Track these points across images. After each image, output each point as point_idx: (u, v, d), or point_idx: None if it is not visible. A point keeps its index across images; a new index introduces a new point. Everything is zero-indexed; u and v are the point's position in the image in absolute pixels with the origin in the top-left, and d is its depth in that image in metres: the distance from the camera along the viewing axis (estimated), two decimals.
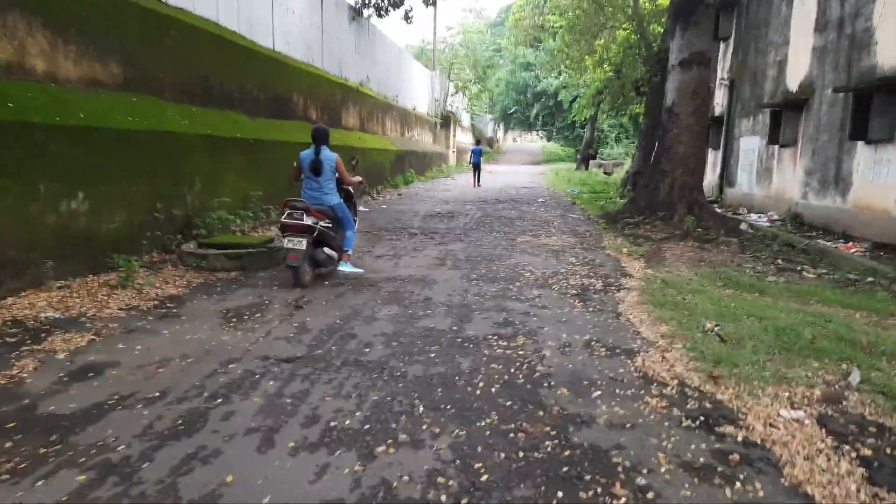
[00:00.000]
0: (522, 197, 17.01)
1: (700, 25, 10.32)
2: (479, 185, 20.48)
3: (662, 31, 17.53)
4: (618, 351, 4.30)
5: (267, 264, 6.93)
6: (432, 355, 4.17)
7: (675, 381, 3.72)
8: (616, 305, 5.50)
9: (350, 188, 7.00)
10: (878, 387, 3.65)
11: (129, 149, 6.50)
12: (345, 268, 6.54)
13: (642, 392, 3.58)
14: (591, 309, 5.39)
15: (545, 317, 5.13)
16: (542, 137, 62.66)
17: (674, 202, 10.47)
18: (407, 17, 16.39)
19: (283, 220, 6.03)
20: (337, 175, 6.39)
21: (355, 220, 7.04)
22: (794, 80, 13.15)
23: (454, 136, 33.80)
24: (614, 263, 7.51)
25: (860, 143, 10.31)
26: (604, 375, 3.83)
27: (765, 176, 14.73)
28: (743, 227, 10.30)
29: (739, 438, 3.01)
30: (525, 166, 42.65)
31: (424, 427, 3.11)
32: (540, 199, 16.06)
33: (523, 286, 6.26)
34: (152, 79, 7.36)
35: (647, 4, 19.23)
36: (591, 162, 33.65)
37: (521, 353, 4.24)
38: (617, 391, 3.59)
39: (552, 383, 3.70)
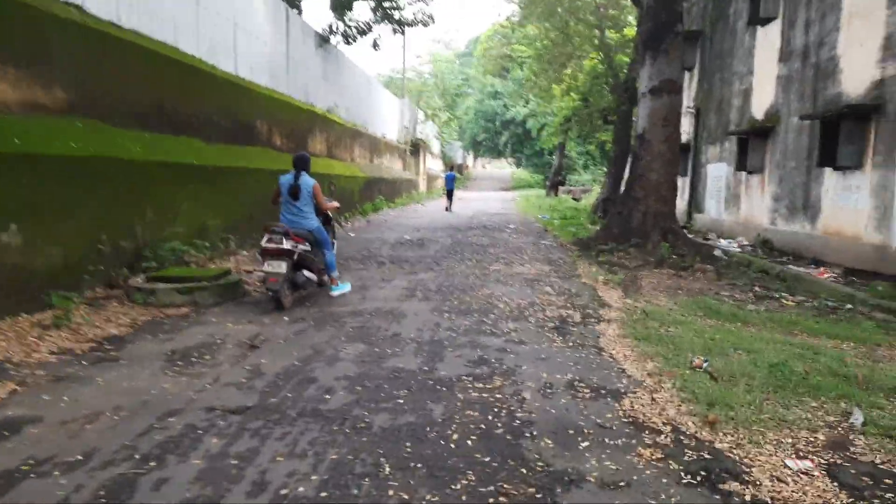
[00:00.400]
0: (494, 223, 16.79)
1: (670, 54, 10.33)
2: (450, 211, 21.29)
3: (630, 60, 17.76)
4: (603, 392, 3.95)
5: (221, 299, 6.43)
6: (401, 401, 3.76)
7: (669, 428, 3.38)
8: (597, 339, 5.17)
9: (328, 213, 7.21)
10: (884, 429, 3.37)
11: (71, 177, 5.99)
12: (335, 291, 6.92)
13: (634, 441, 3.22)
14: (570, 344, 5.05)
15: (523, 353, 4.77)
16: (511, 164, 63.21)
17: (647, 230, 10.32)
18: (375, 45, 16.24)
19: (263, 244, 6.08)
20: (314, 201, 6.60)
21: (333, 244, 7.26)
22: (759, 109, 13.32)
23: (424, 162, 33.69)
24: (591, 293, 7.23)
25: (828, 170, 10.36)
26: (590, 422, 3.47)
27: (733, 202, 14.81)
28: (717, 253, 10.20)
29: (748, 497, 2.67)
30: (495, 192, 42.74)
31: (391, 493, 2.68)
32: (511, 226, 15.84)
33: (498, 319, 5.90)
34: (101, 103, 6.90)
35: (613, 35, 19.52)
36: (560, 188, 33.84)
37: (498, 396, 3.86)
38: (606, 440, 3.23)
39: (534, 433, 3.32)
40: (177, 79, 8.58)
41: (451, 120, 36.43)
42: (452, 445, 3.16)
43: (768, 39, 12.85)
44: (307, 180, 6.52)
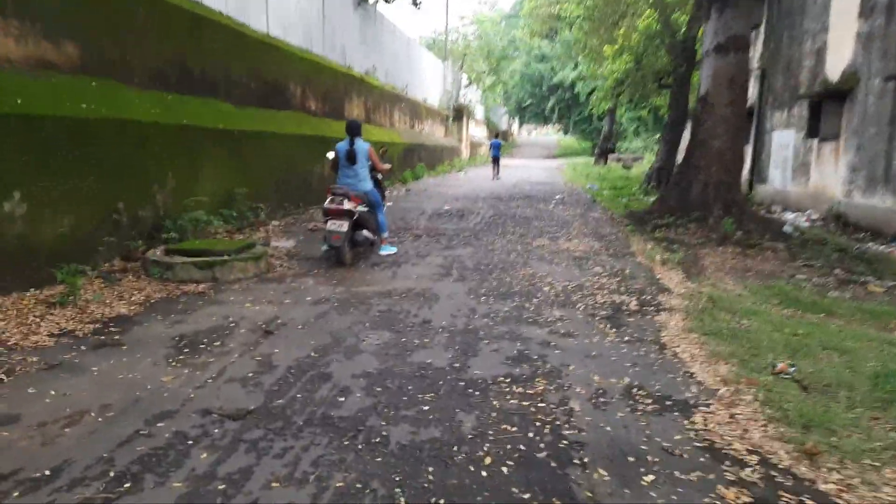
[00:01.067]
0: (538, 193, 15.96)
1: (738, 6, 9.19)
2: (498, 178, 21.34)
3: (688, 18, 16.33)
4: (668, 403, 3.29)
5: (243, 274, 5.99)
6: (426, 408, 3.20)
7: (756, 459, 2.71)
8: (657, 333, 4.48)
9: (379, 175, 7.60)
10: None
11: (82, 141, 5.57)
12: (383, 251, 7.42)
13: (712, 476, 2.57)
14: (626, 338, 4.37)
15: (570, 349, 4.13)
16: (558, 131, 61.33)
17: (709, 202, 9.38)
18: (415, 3, 15.36)
19: (325, 205, 6.57)
20: (370, 163, 7.08)
21: (384, 206, 7.72)
22: (835, 69, 12.00)
23: (467, 129, 32.72)
24: (648, 274, 6.47)
25: None
26: (655, 446, 2.83)
27: (801, 172, 13.57)
28: (787, 229, 9.20)
29: None
30: (540, 160, 41.47)
31: None
32: (557, 196, 14.99)
33: (541, 304, 5.26)
34: (117, 62, 6.44)
35: None
36: (610, 156, 32.40)
37: (541, 405, 3.26)
38: (676, 474, 2.59)
39: (585, 459, 2.70)
40: (202, 37, 8.06)
41: (495, 84, 35.10)
42: (484, 473, 2.58)
43: None
44: (362, 144, 6.97)
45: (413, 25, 61.57)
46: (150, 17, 6.96)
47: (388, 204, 10.55)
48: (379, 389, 3.42)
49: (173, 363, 3.79)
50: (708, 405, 3.25)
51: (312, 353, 3.97)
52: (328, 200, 6.61)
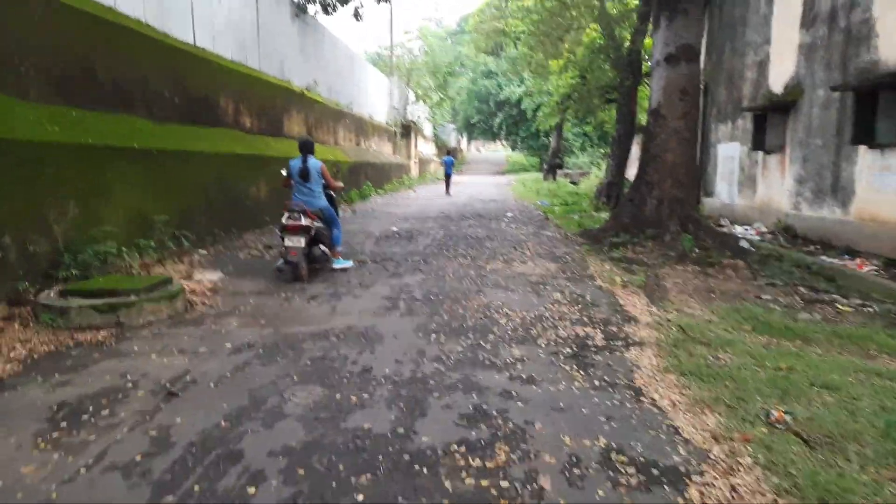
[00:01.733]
0: (490, 211, 15.52)
1: (689, 14, 9.02)
2: (448, 194, 22.09)
3: (633, 31, 16.38)
4: (655, 473, 2.73)
5: (154, 317, 5.17)
6: (360, 497, 2.53)
7: None
8: (630, 374, 3.94)
9: (332, 192, 7.67)
10: None
11: None
12: (338, 264, 7.54)
13: None
14: (596, 382, 3.82)
15: (534, 401, 3.54)
16: (506, 147, 61.78)
17: (663, 218, 9.09)
18: (357, 15, 14.80)
19: (283, 221, 6.69)
20: (323, 181, 7.25)
21: (338, 219, 7.76)
22: (778, 81, 12.07)
23: (416, 146, 32.26)
24: (610, 299, 6.00)
25: (863, 148, 9.16)
26: None
27: (748, 185, 13.61)
28: (743, 244, 8.99)
29: None
30: (490, 176, 41.42)
31: None
32: (509, 214, 14.58)
33: (499, 342, 4.67)
34: (6, 72, 5.57)
35: (614, 5, 18.11)
36: (558, 172, 32.52)
37: (503, 484, 2.64)
38: None
39: None
40: (115, 45, 7.22)
41: (443, 101, 34.89)
42: None
43: (788, 4, 11.57)
44: (314, 162, 7.11)
45: (357, 40, 61.20)
46: (49, 21, 6.11)
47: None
48: (302, 472, 2.72)
49: (42, 444, 2.99)
50: (701, 473, 2.71)
51: (223, 422, 3.23)
52: (285, 217, 6.70)
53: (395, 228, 11.74)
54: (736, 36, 14.18)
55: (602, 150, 44.79)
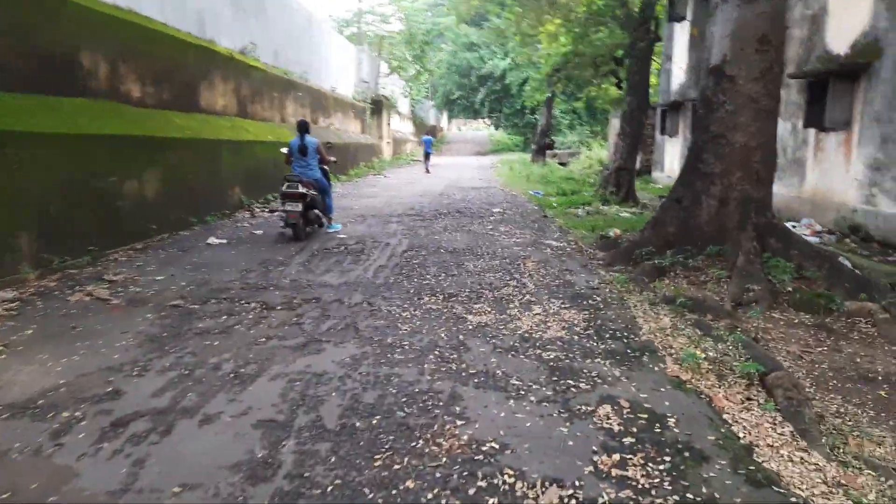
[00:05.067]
0: (472, 205, 12.45)
1: None
2: (428, 172, 22.78)
3: None
4: None
5: None
6: None
7: None
8: None
9: (325, 166, 8.80)
10: None
11: None
12: (331, 229, 8.89)
13: None
14: None
15: None
16: (488, 125, 58.49)
17: (730, 228, 6.15)
18: None
19: (283, 189, 7.81)
20: (318, 156, 8.44)
21: (331, 190, 9.06)
22: (841, 39, 9.16)
23: (388, 124, 28.90)
24: (714, 426, 2.99)
25: None
26: None
27: (791, 170, 10.75)
28: (844, 261, 6.08)
29: None
30: (471, 157, 38.23)
31: None
32: (496, 209, 11.52)
33: None
34: None
35: None
36: (548, 152, 29.48)
37: None
38: None
39: None
40: None
41: (420, 73, 31.45)
42: None
43: None
44: (311, 140, 8.34)
45: (318, 4, 55.17)
46: None
47: (212, 262, 6.75)
48: None
49: None
50: None
51: None
52: (285, 186, 7.79)
53: (342, 235, 8.64)
54: None
55: (591, 129, 41.83)
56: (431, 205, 12.37)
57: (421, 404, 3.23)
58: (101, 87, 7.47)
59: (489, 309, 5.03)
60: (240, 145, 10.84)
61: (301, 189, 7.79)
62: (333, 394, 3.38)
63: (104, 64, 7.51)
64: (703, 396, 3.32)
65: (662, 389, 3.39)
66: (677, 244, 6.45)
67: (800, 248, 5.90)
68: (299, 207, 7.77)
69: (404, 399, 3.30)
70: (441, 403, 3.23)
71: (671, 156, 18.21)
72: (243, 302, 5.28)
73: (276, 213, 9.16)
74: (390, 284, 5.91)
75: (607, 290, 5.57)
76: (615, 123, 27.78)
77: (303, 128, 8.33)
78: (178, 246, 7.63)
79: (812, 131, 10.10)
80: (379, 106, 26.59)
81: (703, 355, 3.82)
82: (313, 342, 4.27)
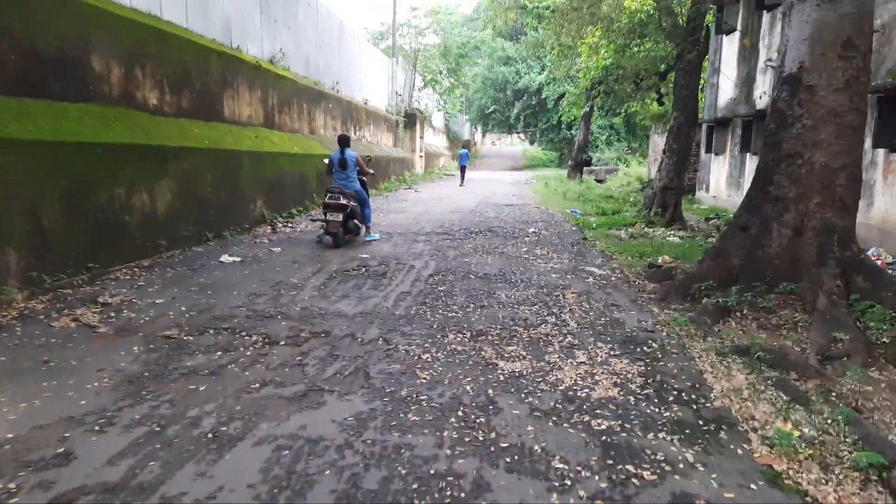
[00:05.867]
0: (506, 223, 11.72)
1: None
2: (462, 185, 23.46)
3: None
4: None
5: None
6: None
7: None
8: None
9: (364, 178, 9.15)
10: None
11: None
12: (368, 237, 9.16)
13: None
14: None
15: None
16: (523, 140, 57.75)
17: (805, 261, 5.28)
18: None
19: (325, 200, 8.36)
20: (357, 168, 8.78)
21: (369, 201, 9.30)
22: None
23: (422, 138, 28.41)
24: None
25: None
26: None
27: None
28: None
29: None
30: (505, 172, 37.52)
31: None
32: (531, 230, 10.76)
33: None
34: None
35: None
36: (585, 169, 28.57)
37: None
38: None
39: None
40: None
41: (454, 87, 30.94)
42: None
43: None
44: (350, 153, 8.67)
45: (356, 17, 54.93)
46: None
47: (221, 283, 6.17)
48: None
49: None
50: None
51: None
52: (327, 197, 8.35)
53: (364, 255, 8.01)
54: None
55: (629, 145, 40.66)
56: (462, 222, 11.69)
57: (437, 495, 2.51)
58: (113, 93, 7.03)
59: (524, 353, 4.29)
60: (263, 157, 10.35)
61: (342, 200, 8.27)
62: (327, 472, 2.68)
63: (117, 68, 7.07)
64: (808, 499, 2.51)
65: (753, 486, 2.58)
66: (742, 279, 5.59)
67: (886, 283, 4.99)
68: (339, 217, 8.23)
69: (415, 485, 2.57)
70: (462, 496, 2.49)
71: (717, 175, 17.20)
72: (244, 334, 4.65)
73: (316, 222, 9.83)
74: (411, 316, 5.22)
75: (664, 333, 4.75)
76: (656, 140, 26.79)
77: (343, 142, 8.72)
78: (187, 264, 7.10)
79: (881, 151, 9.13)
80: (412, 119, 26.13)
81: (798, 433, 3.00)
82: (314, 391, 3.59)
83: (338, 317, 5.17)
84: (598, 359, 4.16)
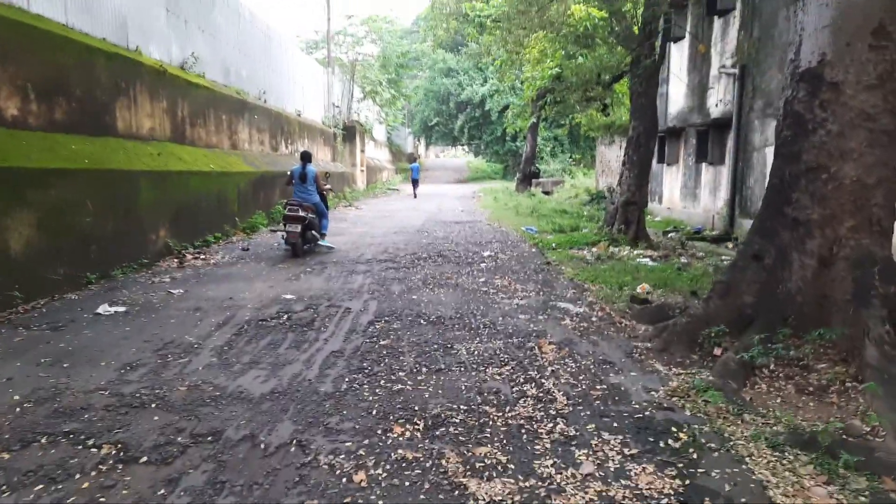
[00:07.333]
0: (458, 245, 10.43)
1: None
2: (415, 196, 24.21)
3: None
4: None
5: None
6: None
7: None
8: None
9: (323, 192, 9.76)
10: None
11: None
12: (324, 243, 9.68)
13: None
14: None
15: None
16: (467, 152, 57.01)
17: (836, 298, 4.22)
18: None
19: (285, 212, 8.82)
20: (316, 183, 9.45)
21: (327, 212, 9.94)
22: None
23: (363, 151, 26.91)
24: None
25: None
26: None
27: None
28: None
29: None
30: (451, 186, 36.42)
31: None
32: (487, 253, 9.50)
33: None
34: None
35: None
36: (533, 181, 27.81)
37: None
38: None
39: None
40: None
41: (395, 98, 29.66)
42: None
43: None
44: (311, 168, 9.27)
45: (288, 26, 53.11)
46: None
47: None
48: None
49: None
50: None
51: None
52: (287, 209, 8.79)
53: (288, 295, 6.52)
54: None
55: (573, 156, 40.37)
56: (409, 245, 10.33)
57: None
58: None
59: (503, 457, 2.97)
60: (167, 177, 8.70)
61: (301, 213, 8.73)
62: None
63: None
64: None
65: None
66: (758, 321, 4.49)
67: None
68: (298, 229, 8.67)
69: None
70: None
71: (670, 186, 16.56)
72: (91, 442, 3.14)
73: (277, 233, 10.11)
74: (342, 394, 3.82)
75: (687, 411, 3.53)
76: (603, 150, 26.28)
77: (305, 157, 9.33)
78: (50, 319, 5.44)
79: None
80: (352, 132, 24.64)
81: None
82: None
83: (238, 401, 3.71)
84: (611, 466, 2.89)
